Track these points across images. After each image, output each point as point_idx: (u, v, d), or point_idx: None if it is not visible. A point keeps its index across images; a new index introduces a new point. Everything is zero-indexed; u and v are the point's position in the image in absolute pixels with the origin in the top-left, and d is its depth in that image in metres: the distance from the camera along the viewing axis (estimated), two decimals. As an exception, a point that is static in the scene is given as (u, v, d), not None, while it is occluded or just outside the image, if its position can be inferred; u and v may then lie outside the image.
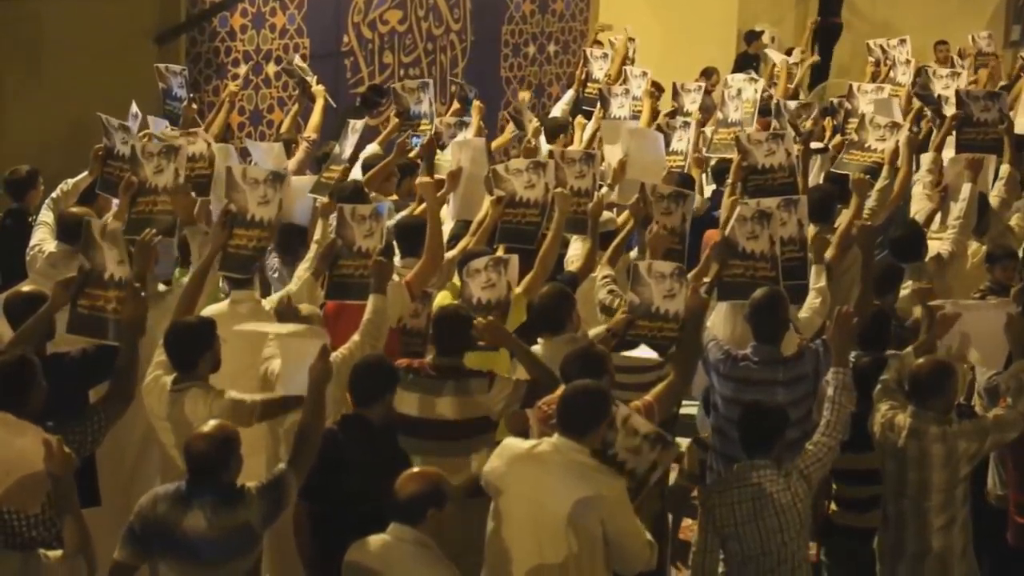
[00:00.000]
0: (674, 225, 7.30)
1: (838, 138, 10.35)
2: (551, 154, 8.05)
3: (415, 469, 4.96)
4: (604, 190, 8.14)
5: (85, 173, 7.72)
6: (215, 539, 4.75)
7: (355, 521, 5.05)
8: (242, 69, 11.54)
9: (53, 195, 7.58)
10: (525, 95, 11.35)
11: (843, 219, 7.76)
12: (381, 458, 5.24)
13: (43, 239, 7.16)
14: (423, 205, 7.24)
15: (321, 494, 5.34)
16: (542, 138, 9.93)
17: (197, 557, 4.78)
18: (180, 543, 4.78)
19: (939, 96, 9.58)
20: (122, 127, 7.81)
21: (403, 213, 7.78)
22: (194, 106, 9.43)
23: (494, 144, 10.14)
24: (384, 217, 6.65)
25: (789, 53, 13.56)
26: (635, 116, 10.17)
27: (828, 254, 7.11)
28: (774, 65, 12.62)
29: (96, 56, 10.58)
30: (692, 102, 10.50)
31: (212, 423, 4.91)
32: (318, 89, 10.08)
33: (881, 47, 12.49)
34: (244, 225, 6.43)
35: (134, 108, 8.90)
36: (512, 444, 5.22)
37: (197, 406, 5.48)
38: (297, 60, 10.84)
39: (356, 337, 5.97)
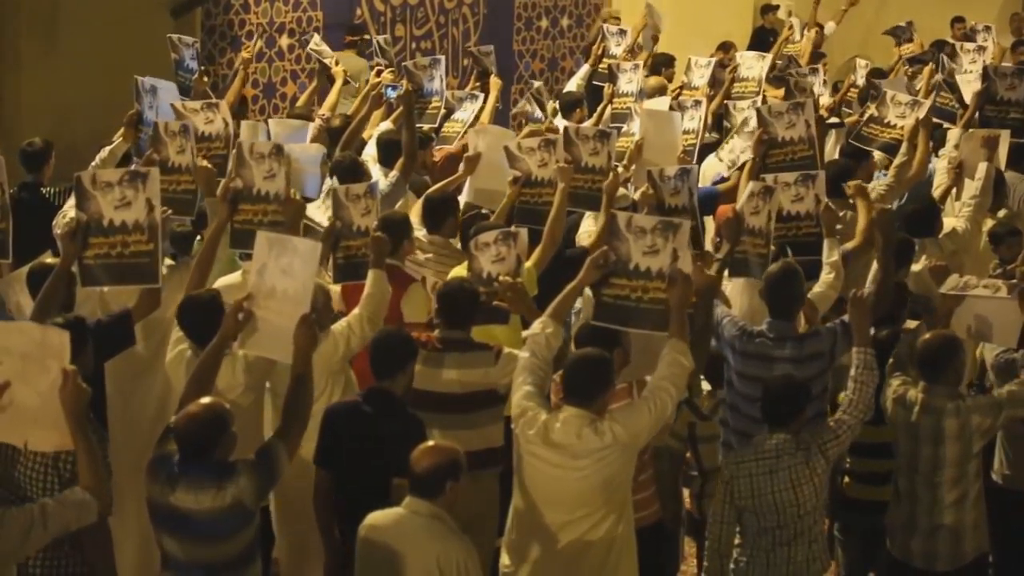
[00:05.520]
0: (683, 203, 7.26)
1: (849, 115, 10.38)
2: (560, 129, 8.02)
3: (430, 443, 4.98)
4: (620, 169, 8.11)
5: (119, 140, 7.72)
6: (207, 517, 4.71)
7: (379, 491, 5.06)
8: (257, 44, 11.53)
9: (93, 164, 7.58)
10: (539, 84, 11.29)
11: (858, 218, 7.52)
12: (405, 430, 5.25)
13: (72, 206, 7.18)
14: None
15: (346, 465, 5.38)
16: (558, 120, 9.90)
17: (190, 533, 4.75)
18: (172, 518, 4.77)
19: (965, 70, 9.57)
20: (153, 89, 7.79)
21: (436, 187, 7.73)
22: (205, 79, 9.43)
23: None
24: (379, 194, 6.73)
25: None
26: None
27: (851, 245, 7.00)
28: (791, 27, 12.60)
29: (112, 28, 10.58)
30: (700, 77, 10.44)
31: (204, 401, 4.84)
32: (337, 70, 10.11)
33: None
34: (251, 200, 6.44)
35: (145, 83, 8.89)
36: (530, 420, 5.18)
37: (224, 374, 5.48)
38: (313, 44, 10.80)
39: (357, 311, 5.99)
